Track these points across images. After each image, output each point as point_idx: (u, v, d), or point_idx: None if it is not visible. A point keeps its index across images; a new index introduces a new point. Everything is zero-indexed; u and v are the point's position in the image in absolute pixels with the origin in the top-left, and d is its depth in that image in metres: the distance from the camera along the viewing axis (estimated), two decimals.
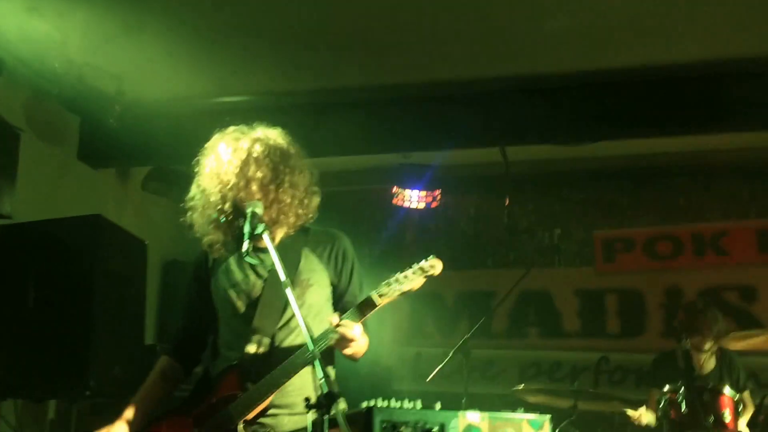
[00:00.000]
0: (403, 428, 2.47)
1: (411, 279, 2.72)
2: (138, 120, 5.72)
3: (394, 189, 7.19)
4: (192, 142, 3.14)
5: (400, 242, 7.61)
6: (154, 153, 6.07)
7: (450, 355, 5.45)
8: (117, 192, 6.51)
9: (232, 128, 3.09)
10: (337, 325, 2.73)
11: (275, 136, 3.07)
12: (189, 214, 3.06)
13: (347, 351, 2.80)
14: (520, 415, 2.68)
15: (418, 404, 2.57)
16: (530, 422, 2.68)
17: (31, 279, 4.46)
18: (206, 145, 3.09)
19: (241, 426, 2.85)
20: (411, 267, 2.74)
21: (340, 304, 3.02)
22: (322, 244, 3.12)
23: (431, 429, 2.52)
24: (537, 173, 7.28)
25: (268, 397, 2.87)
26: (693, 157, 6.87)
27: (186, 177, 3.14)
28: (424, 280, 2.72)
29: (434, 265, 2.73)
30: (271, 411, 2.93)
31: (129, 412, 3.02)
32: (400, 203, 7.18)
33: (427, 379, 5.47)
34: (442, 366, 5.44)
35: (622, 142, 6.22)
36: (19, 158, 5.06)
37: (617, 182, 7.34)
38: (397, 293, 2.72)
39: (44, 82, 5.47)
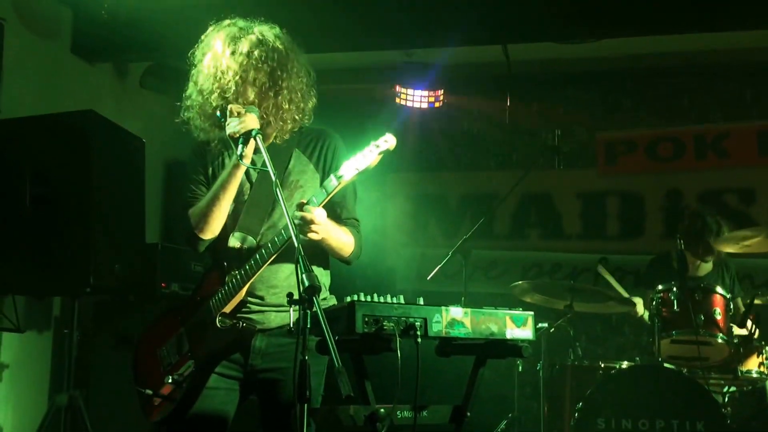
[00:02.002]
0: (385, 323, 2.50)
1: (366, 156, 2.73)
2: (134, 12, 5.48)
3: (397, 88, 7.11)
4: (191, 38, 3.10)
5: (403, 142, 7.49)
6: (152, 48, 5.89)
7: (449, 255, 5.50)
8: (114, 88, 6.31)
9: (228, 21, 3.05)
10: (301, 209, 2.76)
11: (274, 38, 3.03)
12: (184, 112, 3.07)
13: (314, 236, 2.82)
14: (503, 311, 2.70)
15: (401, 299, 2.59)
16: (513, 318, 2.70)
17: (26, 177, 4.36)
18: (202, 38, 3.07)
19: (218, 318, 2.92)
20: (368, 145, 2.75)
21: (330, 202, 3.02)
22: (313, 143, 3.14)
23: (414, 323, 2.54)
24: (540, 73, 7.18)
25: (241, 290, 2.94)
26: (696, 58, 6.75)
27: (185, 74, 3.11)
28: (380, 156, 2.73)
29: (387, 140, 2.74)
30: (259, 308, 3.01)
31: None
32: (402, 102, 7.12)
33: (428, 278, 5.55)
34: (443, 266, 5.50)
35: (625, 41, 6.09)
36: (4, 49, 4.88)
37: (620, 83, 7.24)
38: (355, 172, 2.74)
39: None
